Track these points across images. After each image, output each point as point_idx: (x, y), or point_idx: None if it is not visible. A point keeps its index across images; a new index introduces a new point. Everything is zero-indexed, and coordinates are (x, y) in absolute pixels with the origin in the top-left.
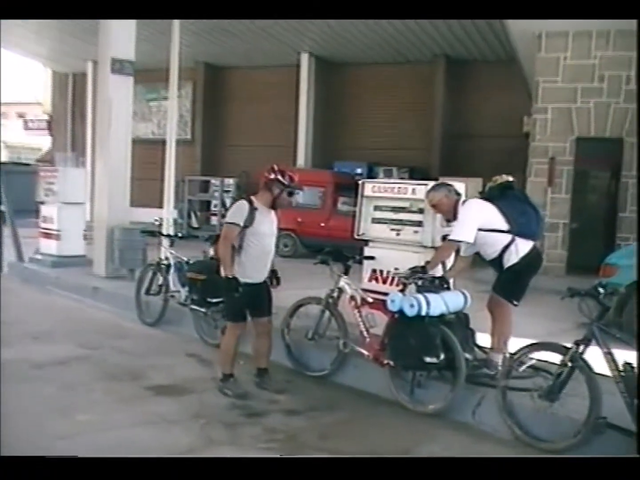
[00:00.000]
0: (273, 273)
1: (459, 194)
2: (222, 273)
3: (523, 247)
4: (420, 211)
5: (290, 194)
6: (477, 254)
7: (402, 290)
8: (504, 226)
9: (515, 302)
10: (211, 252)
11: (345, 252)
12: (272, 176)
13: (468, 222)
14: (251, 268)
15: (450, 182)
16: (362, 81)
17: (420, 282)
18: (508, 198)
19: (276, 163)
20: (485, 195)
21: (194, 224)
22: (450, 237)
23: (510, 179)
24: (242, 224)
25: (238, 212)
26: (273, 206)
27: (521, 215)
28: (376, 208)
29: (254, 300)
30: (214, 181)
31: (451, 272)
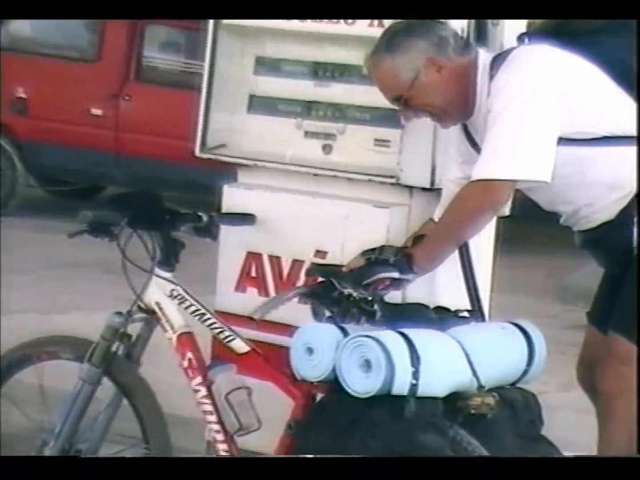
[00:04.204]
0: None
1: (470, 46)
2: None
3: None
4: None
5: None
6: (541, 211)
7: (335, 317)
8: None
9: None
10: None
11: (165, 199)
12: None
13: (534, 127)
14: None
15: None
16: None
17: (384, 293)
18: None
19: None
20: (558, 36)
21: None
22: (488, 174)
23: None
24: None
25: None
26: None
27: None
28: (262, 64)
29: None
30: None
31: (422, 254)
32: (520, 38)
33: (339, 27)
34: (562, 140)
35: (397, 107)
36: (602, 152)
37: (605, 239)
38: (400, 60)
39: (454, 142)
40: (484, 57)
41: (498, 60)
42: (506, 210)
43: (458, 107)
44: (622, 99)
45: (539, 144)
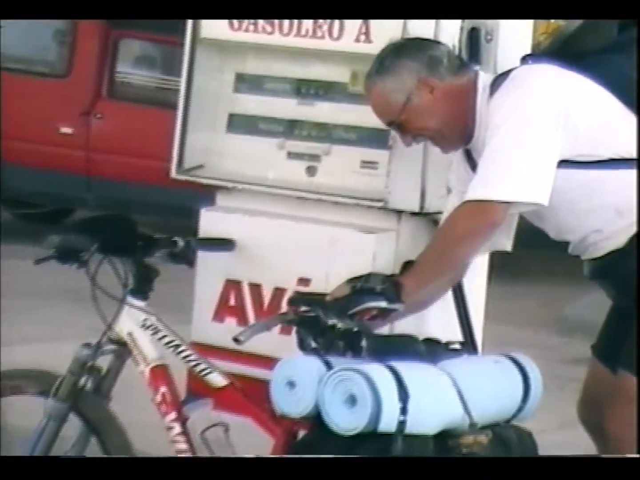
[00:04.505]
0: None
1: (466, 66)
2: None
3: None
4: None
5: None
6: (537, 238)
7: (319, 349)
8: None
9: None
10: None
11: (139, 223)
12: None
13: (533, 146)
14: None
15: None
16: None
17: (372, 324)
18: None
19: None
20: (566, 54)
21: None
22: (481, 194)
23: None
24: None
25: None
26: None
27: None
28: (242, 81)
29: None
30: None
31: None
32: (524, 60)
33: (324, 42)
34: (567, 163)
35: (388, 128)
36: (609, 175)
37: (613, 269)
38: (391, 83)
39: (455, 170)
40: (484, 78)
41: (499, 80)
42: (508, 245)
43: (456, 129)
44: (629, 120)
45: (536, 163)
